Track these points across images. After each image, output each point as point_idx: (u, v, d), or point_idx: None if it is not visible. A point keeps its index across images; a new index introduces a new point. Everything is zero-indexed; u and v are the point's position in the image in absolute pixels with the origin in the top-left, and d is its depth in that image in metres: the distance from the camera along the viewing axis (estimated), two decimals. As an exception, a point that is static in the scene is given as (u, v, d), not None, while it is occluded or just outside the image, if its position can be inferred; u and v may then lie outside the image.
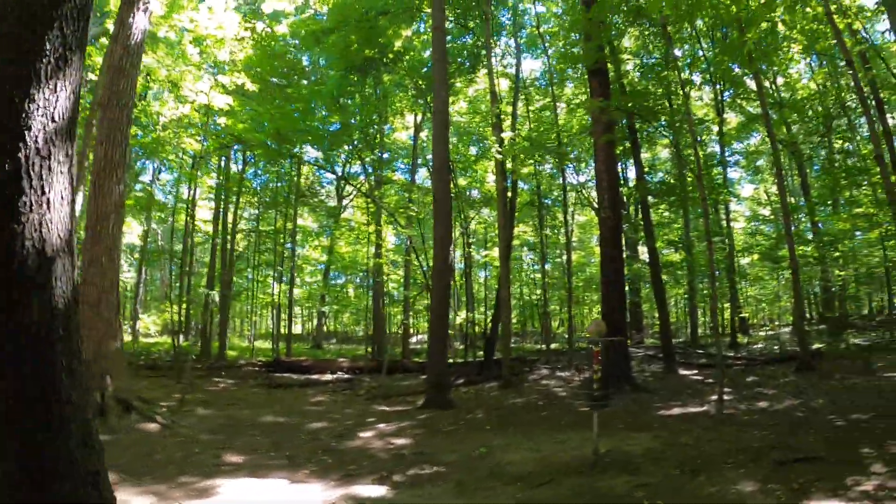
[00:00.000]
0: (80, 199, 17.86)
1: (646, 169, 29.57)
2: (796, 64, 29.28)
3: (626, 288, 39.52)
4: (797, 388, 16.37)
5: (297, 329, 63.53)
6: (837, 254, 29.38)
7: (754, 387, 17.26)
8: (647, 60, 26.33)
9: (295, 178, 34.93)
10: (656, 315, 26.99)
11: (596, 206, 20.89)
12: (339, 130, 29.07)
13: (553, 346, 34.61)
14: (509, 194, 24.76)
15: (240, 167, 34.34)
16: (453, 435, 12.86)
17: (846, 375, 17.67)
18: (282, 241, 35.70)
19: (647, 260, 24.92)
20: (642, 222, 24.23)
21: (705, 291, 35.62)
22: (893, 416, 11.59)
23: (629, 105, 18.32)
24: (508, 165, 22.95)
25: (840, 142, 33.08)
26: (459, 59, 27.86)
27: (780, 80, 32.08)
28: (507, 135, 21.86)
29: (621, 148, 25.05)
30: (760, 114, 22.77)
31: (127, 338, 32.81)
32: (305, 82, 30.01)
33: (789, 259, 20.58)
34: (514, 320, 48.52)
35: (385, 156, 35.31)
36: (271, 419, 15.07)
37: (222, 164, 33.72)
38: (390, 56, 26.71)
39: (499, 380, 20.91)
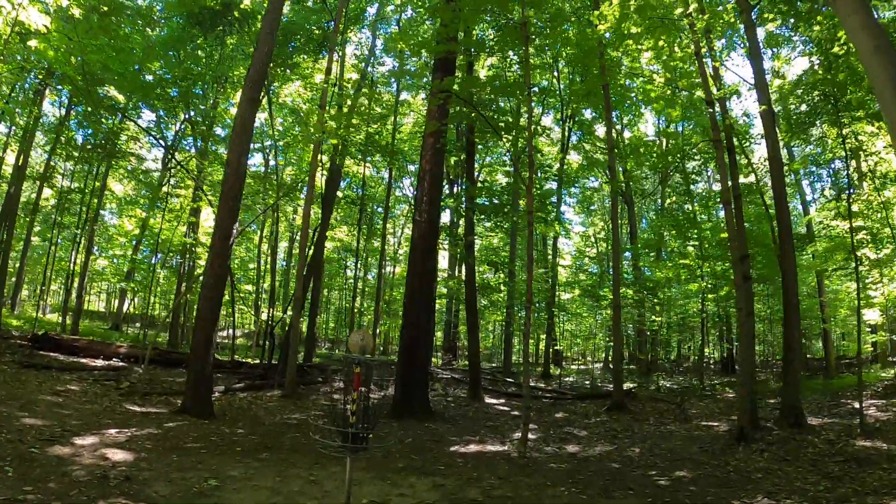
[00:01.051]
0: None
1: (478, 185, 26.77)
2: (649, 114, 27.90)
3: (439, 306, 38.15)
4: (610, 432, 14.21)
5: (100, 306, 57.70)
6: (656, 300, 28.37)
7: (564, 425, 15.00)
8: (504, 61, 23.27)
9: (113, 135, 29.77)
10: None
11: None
12: (177, 96, 24.61)
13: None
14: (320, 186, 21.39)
15: (63, 112, 28.94)
16: (192, 455, 9.68)
17: (661, 420, 15.90)
18: (88, 203, 30.70)
19: (465, 278, 22.03)
20: (463, 238, 21.38)
21: (523, 321, 33.96)
22: (722, 483, 9.32)
23: (471, 95, 15.53)
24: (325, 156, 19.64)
25: (673, 196, 33.15)
26: (309, 36, 24.26)
27: (626, 134, 31.30)
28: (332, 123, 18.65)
29: (455, 159, 22.36)
30: (603, 159, 21.16)
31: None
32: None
33: (612, 297, 18.63)
34: (328, 325, 45.42)
35: (221, 133, 30.91)
36: (-24, 406, 11.27)
37: (37, 100, 28.02)
38: (236, 14, 22.72)
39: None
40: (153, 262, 36.62)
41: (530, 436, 11.74)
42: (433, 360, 31.68)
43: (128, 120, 27.13)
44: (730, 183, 14.46)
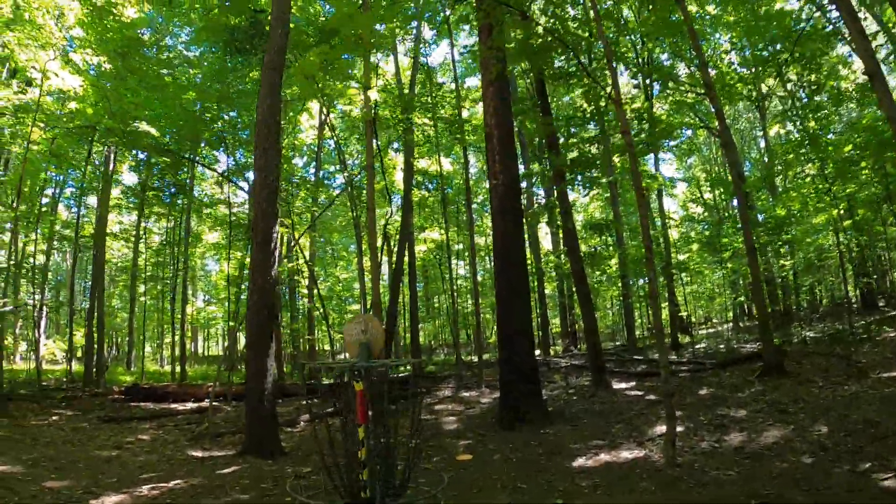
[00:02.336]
0: None
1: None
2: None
3: (550, 290, 34.49)
4: (775, 405, 10.42)
5: (219, 349, 56.65)
6: (780, 241, 23.96)
7: (713, 404, 11.26)
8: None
9: (191, 183, 28.15)
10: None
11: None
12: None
13: (486, 356, 28.36)
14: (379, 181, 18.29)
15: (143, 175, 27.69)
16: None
17: (829, 379, 11.96)
18: (178, 253, 28.91)
19: (566, 246, 17.99)
20: (556, 203, 17.68)
21: (642, 290, 30.00)
22: None
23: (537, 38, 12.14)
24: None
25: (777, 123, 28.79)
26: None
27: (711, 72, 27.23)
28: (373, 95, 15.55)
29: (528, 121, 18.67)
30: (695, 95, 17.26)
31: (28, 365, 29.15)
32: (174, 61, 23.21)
33: (744, 239, 14.66)
34: (444, 331, 42.47)
35: (299, 162, 28.56)
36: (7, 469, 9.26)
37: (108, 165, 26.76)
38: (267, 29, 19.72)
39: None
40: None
41: (677, 428, 8.34)
42: (552, 349, 28.28)
43: (202, 166, 24.98)
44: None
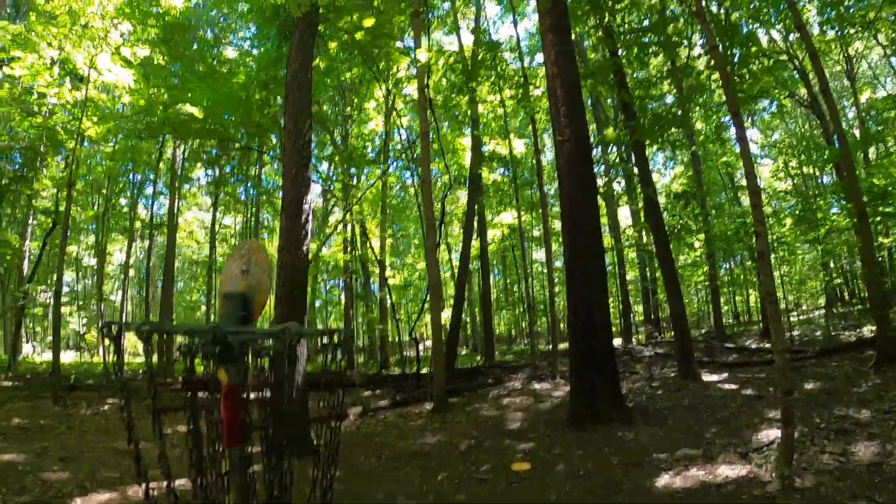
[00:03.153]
0: None
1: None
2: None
3: (632, 277, 31.91)
4: (907, 405, 8.19)
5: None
6: (882, 212, 20.83)
7: (827, 402, 9.05)
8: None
9: (259, 172, 27.30)
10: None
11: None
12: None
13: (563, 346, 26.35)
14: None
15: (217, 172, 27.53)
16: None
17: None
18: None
19: (648, 220, 15.06)
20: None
21: (728, 275, 27.39)
22: None
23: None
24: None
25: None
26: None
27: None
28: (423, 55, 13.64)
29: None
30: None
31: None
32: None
33: (854, 204, 12.21)
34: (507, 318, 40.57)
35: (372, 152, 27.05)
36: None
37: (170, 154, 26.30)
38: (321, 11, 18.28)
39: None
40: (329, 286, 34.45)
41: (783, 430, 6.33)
42: (634, 337, 25.92)
43: (257, 150, 23.90)
44: None
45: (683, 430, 8.32)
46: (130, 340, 35.81)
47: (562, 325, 35.36)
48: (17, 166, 22.76)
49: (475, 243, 23.29)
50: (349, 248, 26.53)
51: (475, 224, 21.08)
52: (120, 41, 16.19)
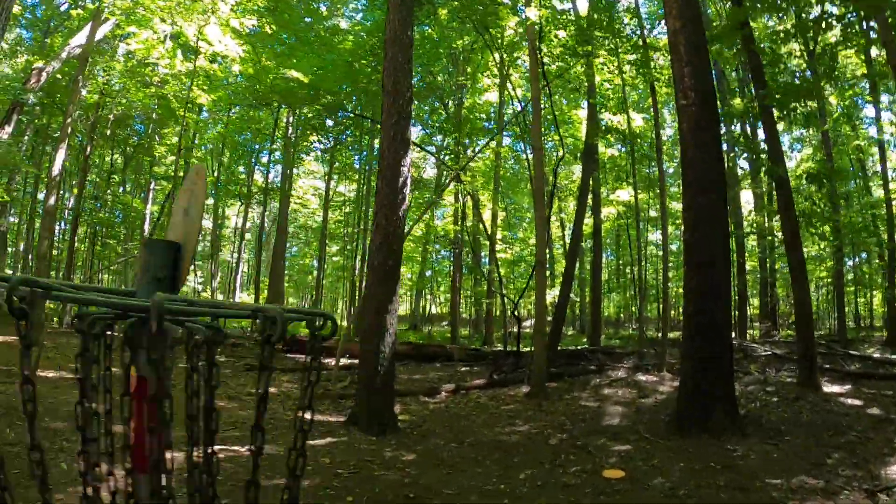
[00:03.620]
0: None
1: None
2: None
3: (751, 267, 29.52)
4: None
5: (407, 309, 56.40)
6: None
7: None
8: None
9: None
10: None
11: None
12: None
13: (673, 335, 24.92)
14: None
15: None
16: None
17: None
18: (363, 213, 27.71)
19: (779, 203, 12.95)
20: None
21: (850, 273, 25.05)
22: None
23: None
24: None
25: None
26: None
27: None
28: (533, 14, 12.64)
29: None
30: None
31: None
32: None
33: None
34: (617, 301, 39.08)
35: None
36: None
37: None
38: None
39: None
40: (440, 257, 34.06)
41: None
42: (748, 333, 24.10)
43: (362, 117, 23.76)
44: None
45: (801, 452, 7.27)
46: (242, 301, 36.84)
47: (672, 313, 33.82)
48: (139, 137, 23.65)
49: (588, 221, 22.21)
50: (459, 220, 25.99)
51: (589, 200, 20.00)
52: (228, 13, 16.24)
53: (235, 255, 37.50)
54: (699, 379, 8.32)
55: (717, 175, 8.88)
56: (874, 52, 17.27)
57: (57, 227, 24.95)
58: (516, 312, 15.68)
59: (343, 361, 16.73)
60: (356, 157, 27.82)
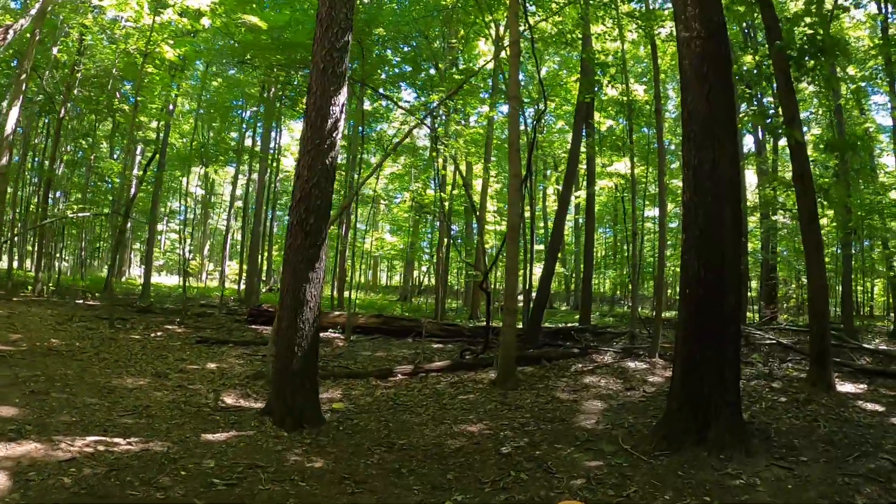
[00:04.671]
0: None
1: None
2: None
3: (752, 247, 27.19)
4: None
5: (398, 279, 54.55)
6: None
7: None
8: None
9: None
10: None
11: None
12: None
13: (668, 314, 22.89)
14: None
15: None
16: None
17: None
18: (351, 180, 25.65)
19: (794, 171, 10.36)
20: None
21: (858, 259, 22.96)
22: None
23: None
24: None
25: None
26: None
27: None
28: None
29: None
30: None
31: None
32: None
33: None
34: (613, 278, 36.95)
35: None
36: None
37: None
38: None
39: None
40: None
41: None
42: (747, 315, 21.93)
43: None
44: None
45: (821, 481, 5.35)
46: (233, 269, 35.36)
47: (669, 292, 31.73)
48: (120, 100, 22.21)
49: (581, 193, 20.21)
50: (446, 188, 24.04)
51: (584, 168, 18.03)
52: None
53: (224, 224, 35.95)
54: (696, 379, 6.31)
55: (726, 123, 6.70)
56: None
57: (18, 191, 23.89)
58: (485, 285, 13.52)
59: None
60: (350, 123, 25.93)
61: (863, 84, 20.45)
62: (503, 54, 14.02)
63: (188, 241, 32.65)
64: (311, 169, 6.97)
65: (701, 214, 6.50)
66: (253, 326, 16.04)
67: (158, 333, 13.52)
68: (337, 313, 16.83)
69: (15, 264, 27.09)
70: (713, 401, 6.17)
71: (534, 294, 15.77)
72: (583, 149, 17.40)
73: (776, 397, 8.74)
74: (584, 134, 16.45)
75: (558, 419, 7.53)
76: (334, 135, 7.12)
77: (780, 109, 10.69)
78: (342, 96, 7.25)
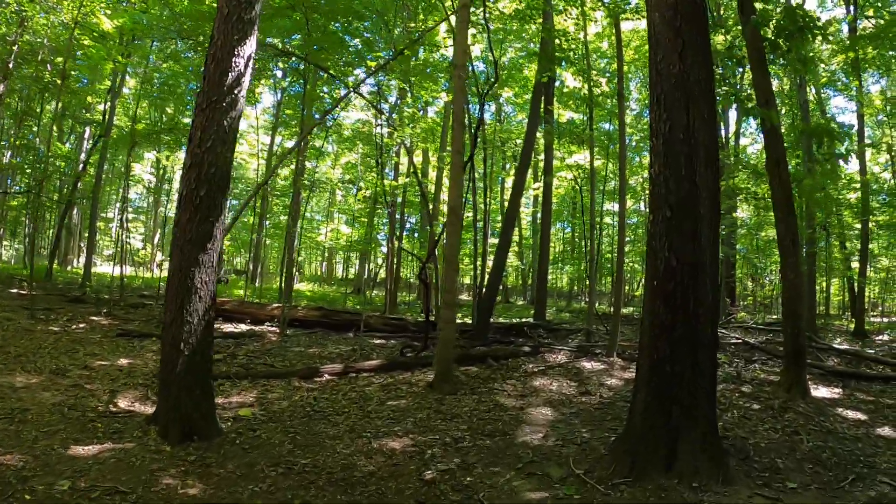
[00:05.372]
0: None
1: None
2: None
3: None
4: None
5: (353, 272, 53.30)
6: None
7: None
8: None
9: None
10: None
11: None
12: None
13: (626, 311, 21.83)
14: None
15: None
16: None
17: None
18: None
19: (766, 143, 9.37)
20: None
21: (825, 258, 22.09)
22: None
23: None
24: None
25: None
26: None
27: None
28: None
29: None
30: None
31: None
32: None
33: None
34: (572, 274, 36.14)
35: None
36: None
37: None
38: None
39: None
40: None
41: None
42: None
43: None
44: None
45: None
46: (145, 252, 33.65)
47: (627, 288, 30.77)
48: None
49: (538, 185, 19.01)
50: (395, 176, 22.81)
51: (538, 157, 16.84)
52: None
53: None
54: (663, 387, 5.07)
55: (703, 82, 5.48)
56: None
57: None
58: (424, 275, 12.05)
59: (242, 327, 13.67)
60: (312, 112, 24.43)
61: (824, 88, 19.98)
62: (452, 19, 12.68)
63: (136, 228, 31.05)
64: (206, 130, 5.61)
65: (672, 190, 5.25)
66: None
67: (81, 325, 12.05)
68: (275, 305, 15.38)
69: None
70: (684, 414, 4.96)
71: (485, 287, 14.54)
72: (539, 135, 16.19)
73: (748, 404, 7.61)
74: (541, 118, 15.25)
75: (499, 432, 6.27)
76: (236, 91, 5.75)
77: (752, 92, 9.55)
78: (248, 47, 5.89)
